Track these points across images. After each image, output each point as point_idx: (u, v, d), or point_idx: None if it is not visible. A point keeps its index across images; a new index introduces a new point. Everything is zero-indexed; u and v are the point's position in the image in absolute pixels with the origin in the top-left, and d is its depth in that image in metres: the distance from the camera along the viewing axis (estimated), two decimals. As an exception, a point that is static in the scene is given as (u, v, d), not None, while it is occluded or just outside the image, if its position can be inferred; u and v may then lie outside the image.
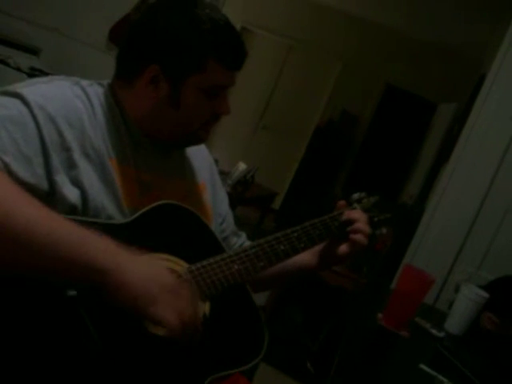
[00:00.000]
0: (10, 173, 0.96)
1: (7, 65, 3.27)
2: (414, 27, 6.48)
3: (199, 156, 1.40)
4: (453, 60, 6.63)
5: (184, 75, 1.14)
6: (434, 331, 1.90)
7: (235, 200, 4.34)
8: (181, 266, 1.12)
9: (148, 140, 1.21)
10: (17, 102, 1.02)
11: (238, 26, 7.19)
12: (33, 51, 3.67)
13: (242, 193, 4.62)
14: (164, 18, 1.14)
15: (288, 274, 1.43)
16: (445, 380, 1.49)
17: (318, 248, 1.39)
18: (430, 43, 6.73)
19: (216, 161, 1.43)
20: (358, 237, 1.31)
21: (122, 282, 0.93)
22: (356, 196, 1.45)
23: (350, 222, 1.33)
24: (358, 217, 1.33)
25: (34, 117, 1.01)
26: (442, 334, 1.89)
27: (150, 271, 0.98)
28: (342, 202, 1.39)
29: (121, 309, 0.97)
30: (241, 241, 1.51)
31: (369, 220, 1.37)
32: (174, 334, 0.96)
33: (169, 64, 1.13)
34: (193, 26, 1.13)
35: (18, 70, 3.30)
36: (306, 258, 1.41)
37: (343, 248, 1.33)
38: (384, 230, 1.44)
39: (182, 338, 0.98)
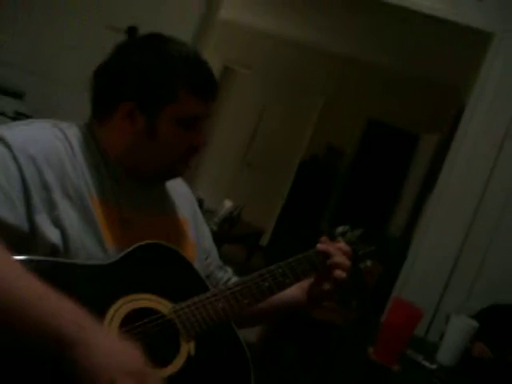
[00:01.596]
0: None
1: (-9, 110, 3.28)
2: (392, 61, 6.58)
3: (180, 192, 1.40)
4: (432, 91, 6.71)
5: (158, 107, 1.15)
6: (426, 363, 1.89)
7: (222, 238, 4.33)
8: (165, 305, 1.11)
9: (128, 177, 1.21)
10: None
11: (220, 65, 7.29)
12: (17, 95, 3.69)
13: (228, 231, 4.61)
14: (134, 55, 1.16)
15: (276, 310, 1.41)
16: (439, 413, 1.47)
17: (305, 284, 1.37)
18: (410, 76, 6.84)
19: (201, 200, 1.43)
20: (337, 272, 1.29)
21: (85, 354, 0.86)
22: (340, 230, 1.45)
23: (327, 256, 1.32)
24: (332, 251, 1.32)
25: (15, 158, 1.01)
26: (434, 366, 1.88)
27: (118, 347, 0.91)
28: (323, 238, 1.38)
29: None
30: (227, 276, 1.49)
31: (353, 253, 1.37)
32: None
33: (142, 98, 1.15)
34: (162, 60, 1.15)
35: (3, 114, 3.31)
36: (295, 293, 1.39)
37: (326, 284, 1.32)
38: (369, 263, 1.43)
39: None
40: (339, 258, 1.31)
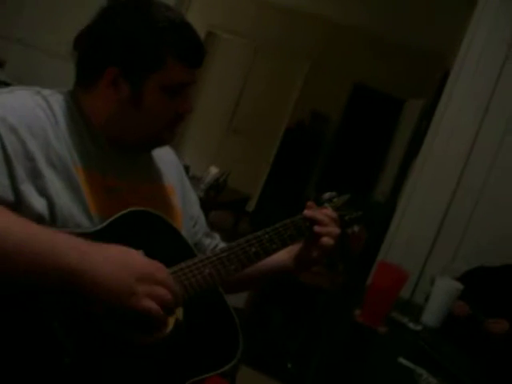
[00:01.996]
0: None
1: (-29, 78, 3.23)
2: (379, 26, 6.54)
3: (166, 159, 1.39)
4: (418, 56, 6.69)
5: (143, 74, 1.13)
6: (411, 325, 1.92)
7: (208, 205, 4.33)
8: None
9: (113, 145, 1.20)
10: None
11: (203, 31, 7.19)
12: (-3, 63, 3.64)
13: (215, 197, 4.61)
14: (119, 19, 1.13)
15: (263, 275, 1.42)
16: (423, 372, 1.51)
17: (293, 249, 1.38)
18: (396, 41, 6.80)
19: (187, 167, 1.42)
20: (325, 239, 1.30)
21: (96, 281, 0.93)
22: (327, 196, 1.45)
23: (315, 222, 1.33)
24: (320, 217, 1.32)
25: None
26: (419, 328, 1.91)
27: (121, 260, 0.97)
28: (310, 203, 1.39)
29: (94, 316, 0.97)
30: (214, 242, 1.50)
31: (340, 219, 1.38)
32: (158, 320, 0.98)
33: (127, 64, 1.13)
34: (148, 25, 1.12)
35: (-17, 82, 3.26)
36: (282, 259, 1.40)
37: (314, 250, 1.33)
38: (356, 228, 1.44)
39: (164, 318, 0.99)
40: (327, 226, 1.31)
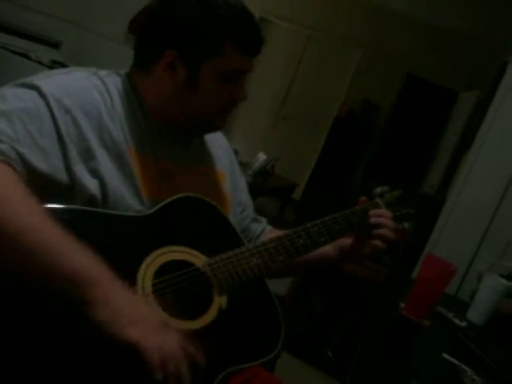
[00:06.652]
0: (26, 163, 0.97)
1: (29, 58, 3.29)
2: (434, 15, 6.39)
3: (218, 145, 1.40)
4: (474, 48, 6.53)
5: (201, 59, 1.14)
6: (456, 320, 1.89)
7: (255, 191, 4.34)
8: (199, 259, 1.12)
9: (167, 128, 1.21)
10: (33, 94, 1.02)
11: (256, 16, 7.14)
12: (53, 44, 3.70)
13: (261, 183, 4.62)
14: (181, 3, 1.13)
15: (307, 264, 1.42)
16: (468, 369, 1.48)
17: (340, 242, 1.38)
18: (451, 31, 6.64)
19: (236, 151, 1.42)
20: (379, 242, 1.30)
21: (106, 298, 0.89)
22: (378, 190, 1.43)
23: (367, 216, 1.32)
24: (384, 222, 1.31)
25: (50, 109, 1.02)
26: (464, 324, 1.88)
27: (137, 303, 0.94)
28: (363, 198, 1.37)
29: None
30: (262, 226, 1.50)
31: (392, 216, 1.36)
32: (150, 368, 0.88)
33: (185, 48, 1.13)
34: (209, 11, 1.12)
35: (40, 63, 3.33)
36: (328, 250, 1.39)
37: (366, 248, 1.32)
38: (406, 225, 1.41)
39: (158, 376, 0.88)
40: (385, 230, 1.31)
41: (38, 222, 0.90)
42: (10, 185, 0.91)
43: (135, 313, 0.91)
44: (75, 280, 0.88)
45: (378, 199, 1.39)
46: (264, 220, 1.53)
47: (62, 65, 3.42)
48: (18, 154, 0.96)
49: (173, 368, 0.89)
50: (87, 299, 0.88)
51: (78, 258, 0.90)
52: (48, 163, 1.00)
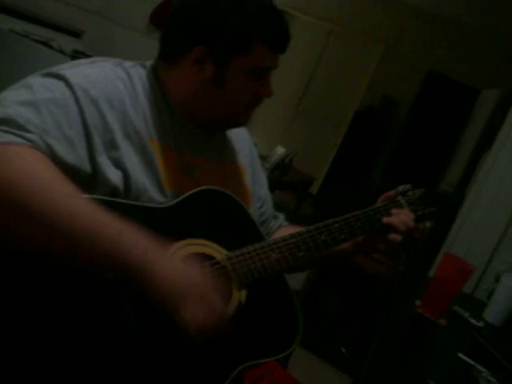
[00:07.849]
0: (54, 155, 0.97)
1: (50, 47, 3.31)
2: (456, 11, 6.34)
3: (240, 138, 1.40)
4: (496, 45, 6.47)
5: (230, 56, 1.13)
6: (472, 320, 1.88)
7: (272, 184, 4.34)
8: (219, 252, 1.12)
9: (190, 122, 1.21)
10: (60, 85, 1.03)
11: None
12: (75, 34, 3.71)
13: (279, 177, 4.61)
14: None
15: (322, 259, 1.42)
16: (483, 370, 1.47)
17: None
18: (473, 27, 6.58)
19: (255, 144, 1.42)
20: (394, 236, 1.30)
21: (153, 279, 0.93)
22: (401, 188, 1.41)
23: (387, 212, 1.33)
24: (398, 224, 1.31)
25: (77, 100, 1.02)
26: (480, 324, 1.87)
27: (180, 270, 0.97)
28: (389, 193, 1.38)
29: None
30: (278, 222, 1.51)
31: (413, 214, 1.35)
32: (193, 335, 0.94)
33: (215, 45, 1.13)
34: (238, 7, 1.12)
35: (61, 52, 3.34)
36: (344, 245, 1.39)
37: (380, 243, 1.32)
38: (427, 224, 1.40)
39: (200, 339, 0.96)
40: (404, 232, 1.30)
41: (80, 206, 0.92)
42: (49, 170, 0.93)
43: (179, 287, 0.95)
44: (124, 264, 0.92)
45: (400, 197, 1.39)
46: (282, 216, 1.53)
47: (84, 54, 3.43)
48: (47, 144, 0.96)
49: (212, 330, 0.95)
50: (138, 279, 0.93)
51: (124, 240, 0.93)
52: (74, 154, 1.00)
